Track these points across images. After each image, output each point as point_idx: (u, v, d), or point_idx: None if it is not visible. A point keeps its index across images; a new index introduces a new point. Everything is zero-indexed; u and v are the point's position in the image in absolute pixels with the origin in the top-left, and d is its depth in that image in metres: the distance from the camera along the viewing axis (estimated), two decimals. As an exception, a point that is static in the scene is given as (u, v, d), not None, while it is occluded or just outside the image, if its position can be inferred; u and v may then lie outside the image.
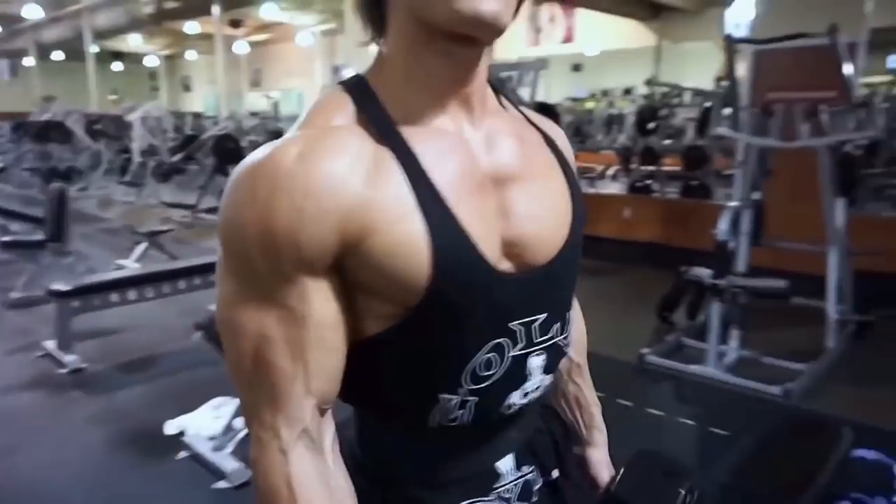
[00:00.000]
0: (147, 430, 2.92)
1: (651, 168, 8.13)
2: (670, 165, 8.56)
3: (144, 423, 2.98)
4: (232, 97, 23.08)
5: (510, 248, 0.71)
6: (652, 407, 3.17)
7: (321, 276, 0.65)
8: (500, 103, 0.79)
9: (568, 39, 16.32)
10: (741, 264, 3.62)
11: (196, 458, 2.67)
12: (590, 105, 16.76)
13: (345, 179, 0.64)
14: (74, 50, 21.37)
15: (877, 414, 3.08)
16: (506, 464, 0.78)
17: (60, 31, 20.87)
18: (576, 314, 0.93)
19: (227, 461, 2.55)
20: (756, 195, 4.01)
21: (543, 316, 0.74)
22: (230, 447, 2.63)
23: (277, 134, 8.58)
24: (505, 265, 0.71)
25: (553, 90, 19.33)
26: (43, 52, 22.41)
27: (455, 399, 0.71)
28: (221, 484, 2.49)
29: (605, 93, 17.05)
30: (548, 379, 0.79)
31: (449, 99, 0.71)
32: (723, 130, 4.11)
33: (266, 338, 0.65)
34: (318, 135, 0.66)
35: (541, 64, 4.60)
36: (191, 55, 26.47)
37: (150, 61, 28.02)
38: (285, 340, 0.65)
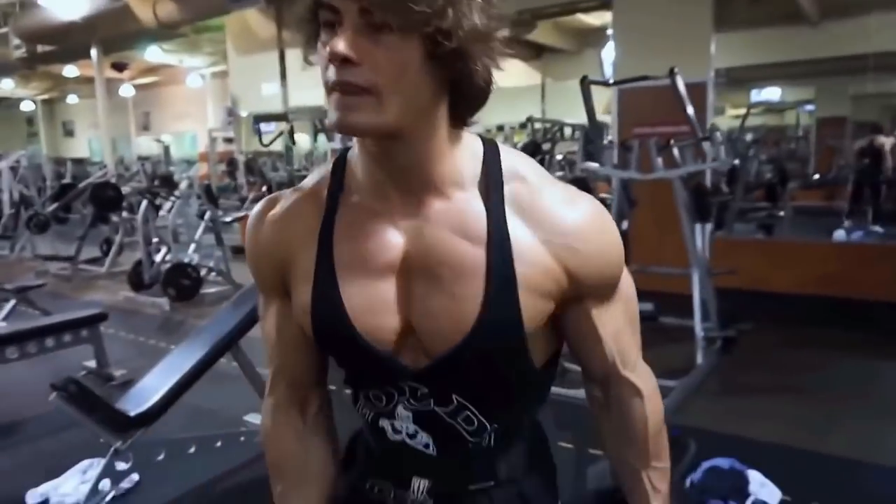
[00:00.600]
0: (7, 503, 2.72)
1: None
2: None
3: (4, 495, 2.77)
4: (120, 141, 22.16)
5: (407, 332, 0.78)
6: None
7: (277, 297, 0.86)
8: (491, 183, 0.76)
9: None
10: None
11: (59, 527, 2.51)
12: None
13: (283, 233, 0.82)
14: (-61, 95, 19.92)
15: (740, 424, 3.31)
16: (417, 483, 0.86)
17: (-79, 76, 19.41)
18: (637, 415, 0.89)
19: (92, 527, 2.42)
20: (623, 224, 4.28)
21: (425, 390, 0.81)
22: (97, 512, 2.49)
23: (166, 178, 8.33)
24: (396, 345, 0.78)
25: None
26: None
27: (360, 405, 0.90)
28: (86, 553, 2.36)
29: (500, 128, 17.75)
30: (423, 436, 0.84)
31: (381, 180, 0.76)
32: (588, 165, 4.37)
33: (263, 329, 0.91)
34: (285, 197, 0.84)
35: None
36: (72, 99, 25.23)
37: (27, 106, 26.48)
38: (266, 333, 0.90)
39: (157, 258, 6.43)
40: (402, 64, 0.67)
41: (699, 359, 3.94)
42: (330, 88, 0.68)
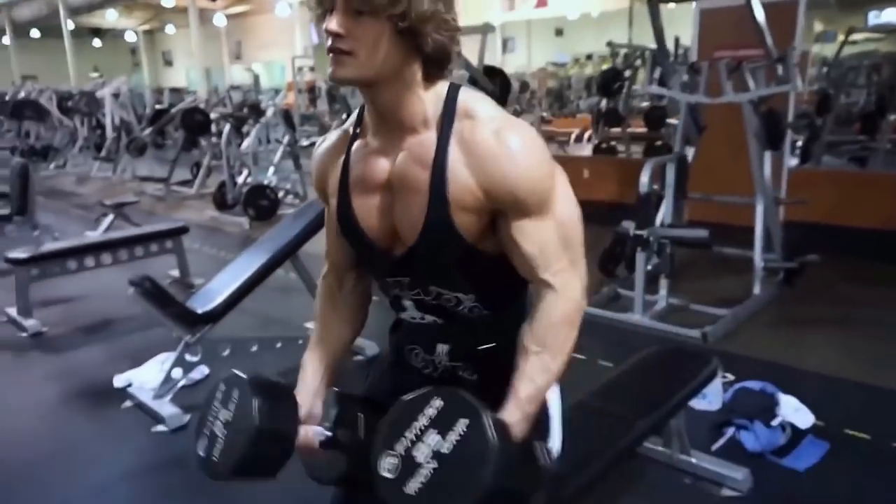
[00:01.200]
0: (98, 385, 3.10)
1: (616, 130, 8.25)
2: (638, 127, 8.68)
3: (97, 379, 3.16)
4: (214, 71, 22.92)
5: (393, 231, 1.06)
6: (577, 353, 3.35)
7: (327, 204, 1.17)
8: (445, 121, 1.00)
9: (542, 4, 16.21)
10: (667, 216, 3.77)
11: (139, 406, 2.85)
12: (571, 70, 16.83)
13: (324, 161, 1.14)
14: (51, 27, 21.17)
15: (789, 353, 3.26)
16: (440, 347, 1.15)
17: (35, 9, 20.64)
18: (546, 307, 1.03)
19: (165, 408, 2.74)
20: (689, 150, 4.16)
21: (407, 279, 1.10)
22: (169, 396, 2.81)
23: (253, 106, 8.66)
24: (387, 240, 1.07)
25: (535, 55, 19.31)
26: (19, 30, 22.19)
27: (384, 296, 1.18)
28: (159, 428, 2.68)
29: (588, 56, 17.07)
30: (428, 316, 1.13)
31: (376, 122, 1.05)
32: (653, 88, 4.24)
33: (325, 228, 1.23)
34: (330, 134, 1.16)
35: (487, 28, 4.69)
36: (170, 29, 26.20)
37: (130, 37, 27.73)
38: (325, 230, 1.23)
39: (240, 180, 6.80)
40: (374, 36, 0.94)
41: (756, 289, 3.87)
42: (328, 51, 0.96)
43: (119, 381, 3.07)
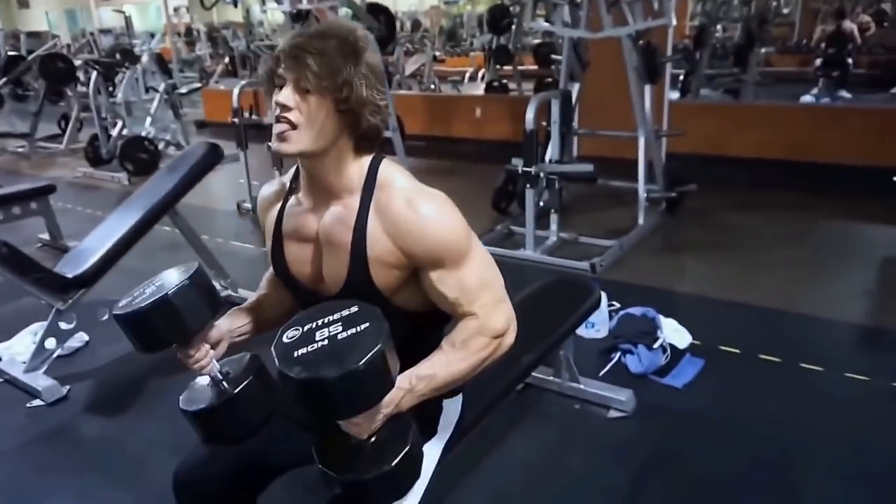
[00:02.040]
0: (-38, 363, 2.85)
1: (508, 67, 8.25)
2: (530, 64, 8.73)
3: (-40, 356, 2.90)
4: (81, 13, 20.96)
5: (319, 278, 1.20)
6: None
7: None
8: (366, 189, 1.14)
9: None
10: (554, 152, 3.84)
11: (11, 382, 2.65)
12: (464, 7, 16.60)
13: (263, 206, 1.30)
14: None
15: (670, 279, 3.45)
16: None
17: None
18: (467, 324, 1.14)
19: (40, 380, 2.56)
20: (574, 86, 4.22)
21: None
22: (43, 367, 2.63)
23: (126, 51, 7.97)
24: (314, 284, 1.21)
25: (427, -7, 18.85)
26: None
27: None
28: (35, 402, 2.51)
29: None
30: None
31: (307, 184, 1.19)
32: (537, 23, 4.23)
33: None
34: (273, 182, 1.31)
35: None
36: (24, -34, 23.56)
37: (-23, -25, 24.74)
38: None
39: (114, 133, 6.32)
40: (316, 113, 1.07)
41: (640, 219, 4.04)
42: (276, 120, 1.08)
43: (-7, 352, 2.84)
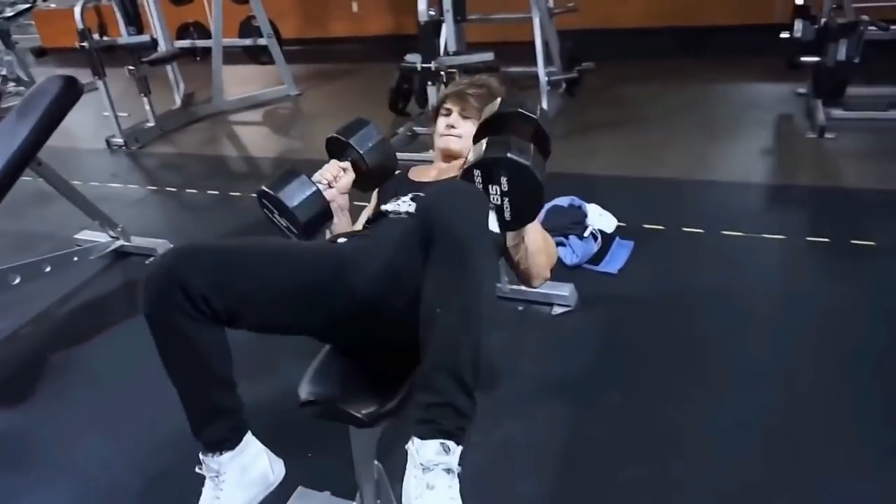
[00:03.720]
0: None
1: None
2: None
3: None
4: None
5: None
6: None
7: None
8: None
9: None
10: (451, 43, 3.62)
11: None
12: None
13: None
14: None
15: (583, 162, 3.42)
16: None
17: None
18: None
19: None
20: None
21: None
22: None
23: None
24: None
25: None
26: None
27: None
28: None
29: None
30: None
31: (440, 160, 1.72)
32: None
33: None
34: None
35: None
36: None
37: None
38: None
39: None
40: (471, 131, 1.49)
41: (544, 103, 3.95)
42: (443, 135, 1.68)
43: None
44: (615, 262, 2.49)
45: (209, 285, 1.06)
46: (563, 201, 2.68)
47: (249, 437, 1.18)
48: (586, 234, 2.54)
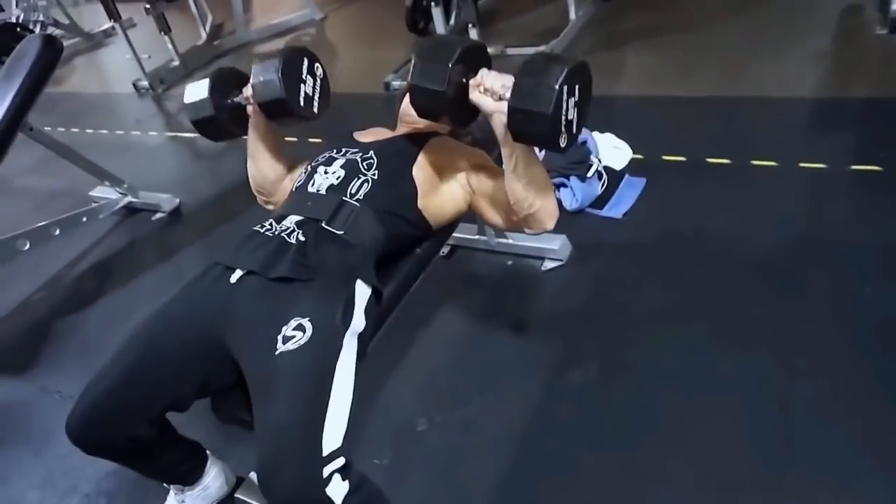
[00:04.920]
0: None
1: None
2: None
3: None
4: None
5: None
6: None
7: None
8: None
9: None
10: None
11: None
12: None
13: None
14: None
15: (603, 83, 3.08)
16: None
17: None
18: None
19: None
20: None
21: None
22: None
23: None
24: None
25: None
26: None
27: None
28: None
29: None
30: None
31: None
32: None
33: None
34: None
35: None
36: None
37: None
38: None
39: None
40: None
41: (572, 13, 3.57)
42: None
43: None
44: (621, 204, 2.25)
45: (119, 432, 1.19)
46: (565, 138, 2.42)
47: (209, 465, 1.45)
48: (590, 173, 2.30)
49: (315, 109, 1.48)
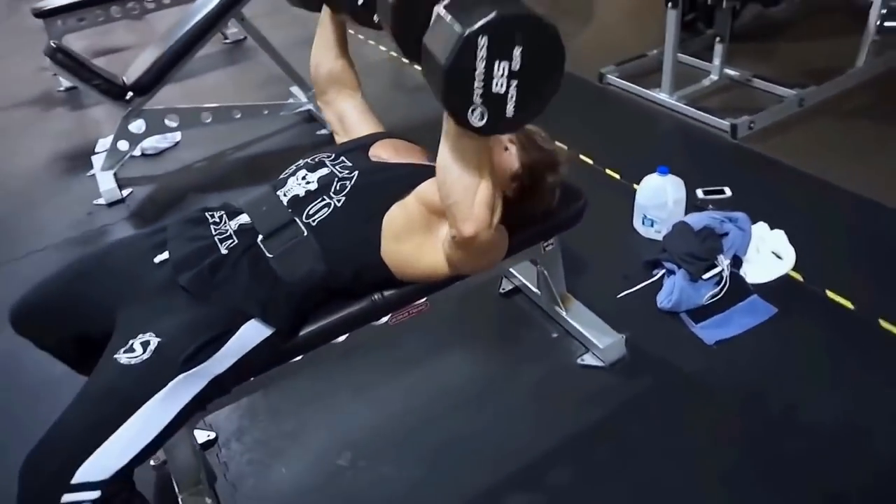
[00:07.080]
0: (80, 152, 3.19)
1: None
2: None
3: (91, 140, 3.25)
4: None
5: None
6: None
7: None
8: None
9: None
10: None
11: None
12: None
13: None
14: None
15: (840, 165, 2.39)
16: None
17: None
18: None
19: (105, 181, 2.78)
20: None
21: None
22: (115, 168, 2.81)
23: None
24: None
25: None
26: None
27: None
28: (100, 200, 2.73)
29: None
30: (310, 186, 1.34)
31: None
32: None
33: None
34: None
35: None
36: None
37: None
38: None
39: None
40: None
41: (861, 59, 2.79)
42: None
43: (100, 146, 3.14)
44: (724, 328, 1.77)
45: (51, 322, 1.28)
46: (699, 220, 1.95)
47: None
48: (707, 275, 1.84)
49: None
